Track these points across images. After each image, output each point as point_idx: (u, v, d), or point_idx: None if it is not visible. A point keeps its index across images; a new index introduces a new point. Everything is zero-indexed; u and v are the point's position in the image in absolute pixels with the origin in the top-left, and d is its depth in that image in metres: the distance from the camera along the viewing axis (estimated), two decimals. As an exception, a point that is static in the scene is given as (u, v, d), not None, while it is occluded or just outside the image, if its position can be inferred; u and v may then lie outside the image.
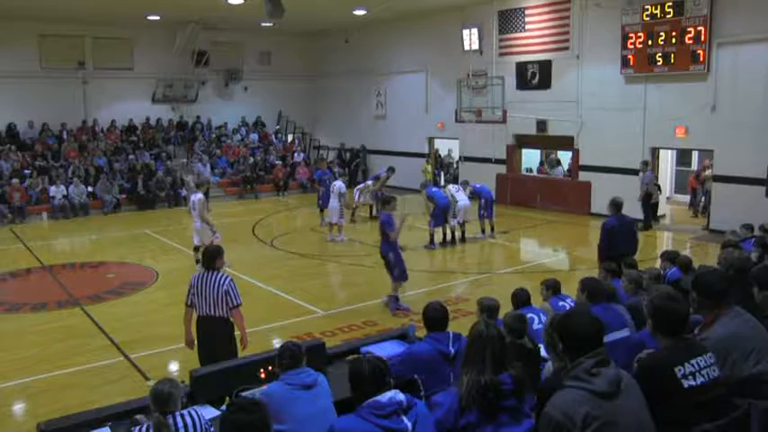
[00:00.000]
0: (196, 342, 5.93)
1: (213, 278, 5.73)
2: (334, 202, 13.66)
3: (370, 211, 16.56)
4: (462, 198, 13.31)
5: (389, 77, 22.19)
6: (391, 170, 16.25)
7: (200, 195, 11.36)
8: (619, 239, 8.23)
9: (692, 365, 2.89)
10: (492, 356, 3.16)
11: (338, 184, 13.96)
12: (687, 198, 17.63)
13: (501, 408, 3.12)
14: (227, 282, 5.73)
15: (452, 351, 4.11)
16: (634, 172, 14.92)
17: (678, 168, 19.06)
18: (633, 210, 14.49)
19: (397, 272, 8.96)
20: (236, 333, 5.91)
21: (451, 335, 4.21)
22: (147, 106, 22.47)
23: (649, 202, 14.66)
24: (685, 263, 6.97)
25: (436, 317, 4.30)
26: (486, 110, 16.18)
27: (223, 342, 5.77)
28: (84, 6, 17.58)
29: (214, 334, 5.78)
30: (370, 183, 16.49)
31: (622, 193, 15.03)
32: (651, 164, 15.02)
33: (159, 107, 22.81)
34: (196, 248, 11.42)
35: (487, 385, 3.07)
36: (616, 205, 8.62)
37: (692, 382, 2.85)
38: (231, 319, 5.84)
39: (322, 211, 15.02)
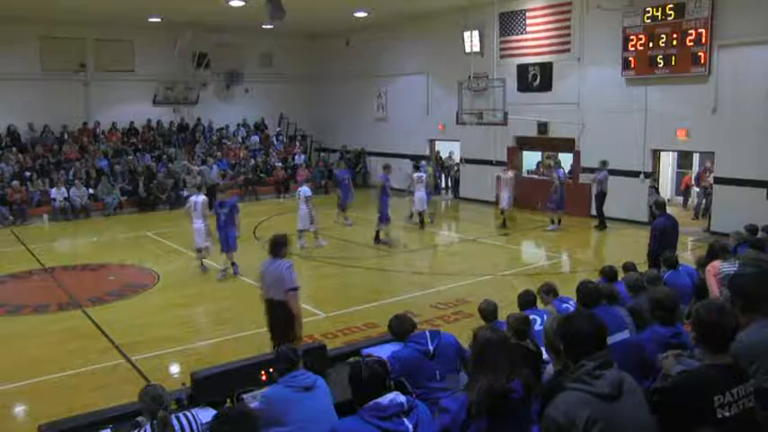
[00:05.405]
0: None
1: (275, 264, 6.34)
2: (302, 209, 13.09)
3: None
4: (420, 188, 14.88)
5: (390, 79, 22.19)
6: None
7: (202, 197, 11.57)
8: (669, 238, 8.37)
9: (732, 395, 2.72)
10: (505, 361, 3.13)
11: (303, 190, 13.33)
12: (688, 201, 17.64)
13: (510, 415, 3.10)
14: (284, 267, 6.29)
15: (432, 348, 4.40)
16: (635, 174, 14.89)
17: (679, 171, 19.03)
18: (640, 212, 14.64)
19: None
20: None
21: (428, 334, 4.50)
22: (148, 108, 22.47)
23: (603, 200, 14.69)
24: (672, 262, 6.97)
25: (406, 329, 4.66)
26: (487, 112, 16.16)
27: (281, 323, 6.29)
28: (85, 9, 17.59)
29: (274, 315, 6.39)
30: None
31: (623, 195, 15.21)
32: (608, 163, 14.84)
33: (160, 109, 22.81)
34: (198, 250, 11.44)
35: (499, 393, 3.04)
36: (660, 205, 8.78)
37: (726, 413, 2.69)
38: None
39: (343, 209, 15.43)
